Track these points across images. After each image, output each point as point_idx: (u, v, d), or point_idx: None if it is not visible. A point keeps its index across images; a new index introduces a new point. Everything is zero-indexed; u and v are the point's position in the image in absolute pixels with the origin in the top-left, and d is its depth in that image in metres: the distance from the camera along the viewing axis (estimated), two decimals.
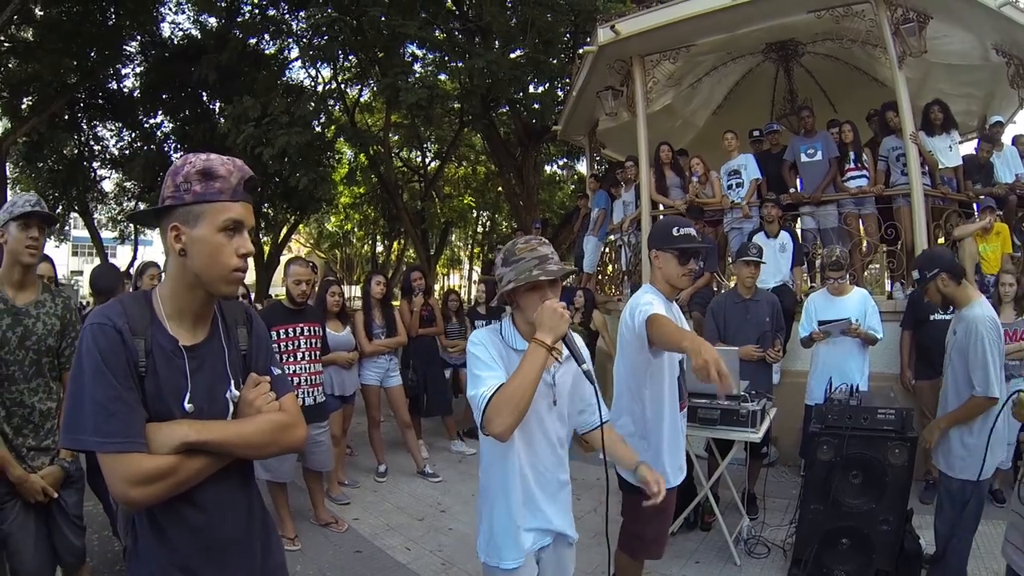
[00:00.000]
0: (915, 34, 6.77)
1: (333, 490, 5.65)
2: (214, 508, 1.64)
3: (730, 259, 7.52)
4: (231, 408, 1.68)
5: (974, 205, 7.38)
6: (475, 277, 29.73)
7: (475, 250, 32.59)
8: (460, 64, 14.35)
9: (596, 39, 8.14)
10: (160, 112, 19.32)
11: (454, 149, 21.91)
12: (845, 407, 4.03)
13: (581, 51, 9.28)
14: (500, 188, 21.88)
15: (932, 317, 5.44)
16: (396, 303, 7.05)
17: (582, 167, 18.85)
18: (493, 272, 2.59)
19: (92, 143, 19.88)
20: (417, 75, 14.31)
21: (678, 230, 3.03)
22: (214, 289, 1.62)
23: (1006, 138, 8.30)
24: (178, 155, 12.15)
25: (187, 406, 1.58)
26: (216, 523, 1.64)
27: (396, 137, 22.27)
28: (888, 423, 3.87)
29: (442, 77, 15.87)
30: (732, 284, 6.16)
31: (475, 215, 28.26)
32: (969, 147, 8.35)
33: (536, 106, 15.06)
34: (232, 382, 1.69)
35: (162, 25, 18.73)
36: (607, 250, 9.73)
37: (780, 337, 5.24)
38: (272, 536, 1.87)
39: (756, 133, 8.32)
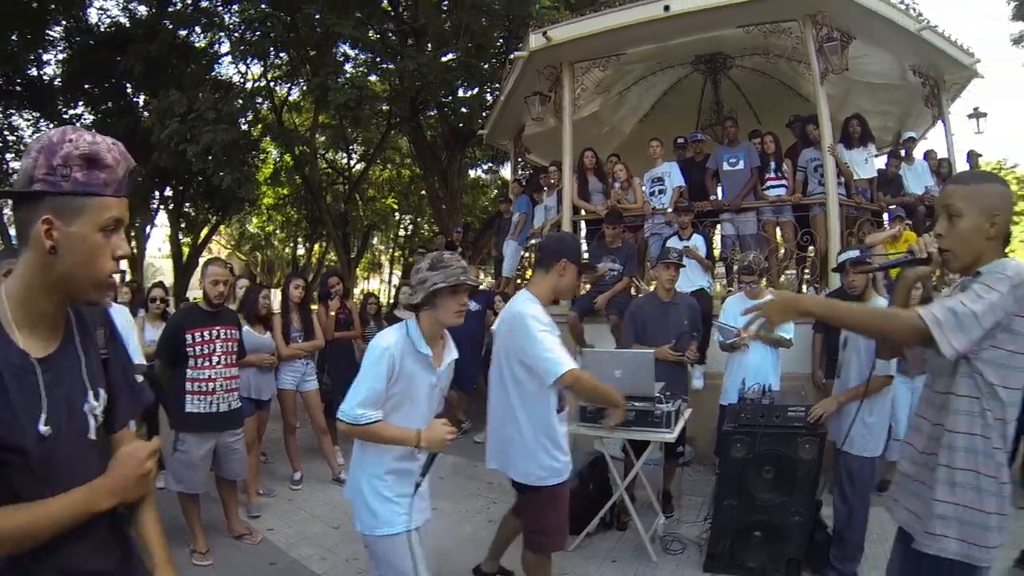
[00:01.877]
0: (838, 52, 7.02)
1: (251, 498, 5.39)
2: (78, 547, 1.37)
3: (649, 264, 7.63)
4: (91, 423, 1.41)
5: (885, 215, 7.69)
6: (395, 281, 29.28)
7: (396, 254, 32.06)
8: (391, 66, 14.20)
9: (528, 44, 8.12)
10: (81, 103, 18.25)
11: (380, 151, 21.62)
12: (757, 406, 4.21)
13: (512, 56, 9.26)
14: (424, 191, 21.69)
15: None
16: (315, 307, 6.93)
17: (506, 172, 18.82)
18: (411, 276, 2.78)
19: (6, 133, 18.58)
20: (348, 76, 14.08)
21: (573, 251, 3.36)
22: (83, 294, 1.38)
23: (918, 153, 8.73)
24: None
25: (43, 428, 1.29)
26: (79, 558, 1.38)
27: (323, 138, 21.86)
28: (799, 420, 4.04)
29: (372, 78, 15.67)
30: (651, 288, 6.19)
31: (397, 218, 27.89)
32: (883, 160, 8.71)
33: (464, 110, 15.02)
34: (90, 393, 1.42)
35: (89, 10, 17.67)
36: (527, 254, 9.63)
37: (697, 340, 5.28)
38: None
39: (681, 141, 8.47)
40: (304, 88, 17.85)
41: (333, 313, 6.88)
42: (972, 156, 9.39)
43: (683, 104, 10.51)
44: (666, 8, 7.17)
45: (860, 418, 3.64)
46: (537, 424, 3.13)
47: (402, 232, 29.34)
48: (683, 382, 5.24)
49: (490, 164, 21.19)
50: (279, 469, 6.43)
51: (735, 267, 7.42)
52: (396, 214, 27.23)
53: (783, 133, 8.25)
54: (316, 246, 27.80)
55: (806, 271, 8.09)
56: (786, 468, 4.01)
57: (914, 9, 7.62)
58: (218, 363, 4.45)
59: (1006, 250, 4.60)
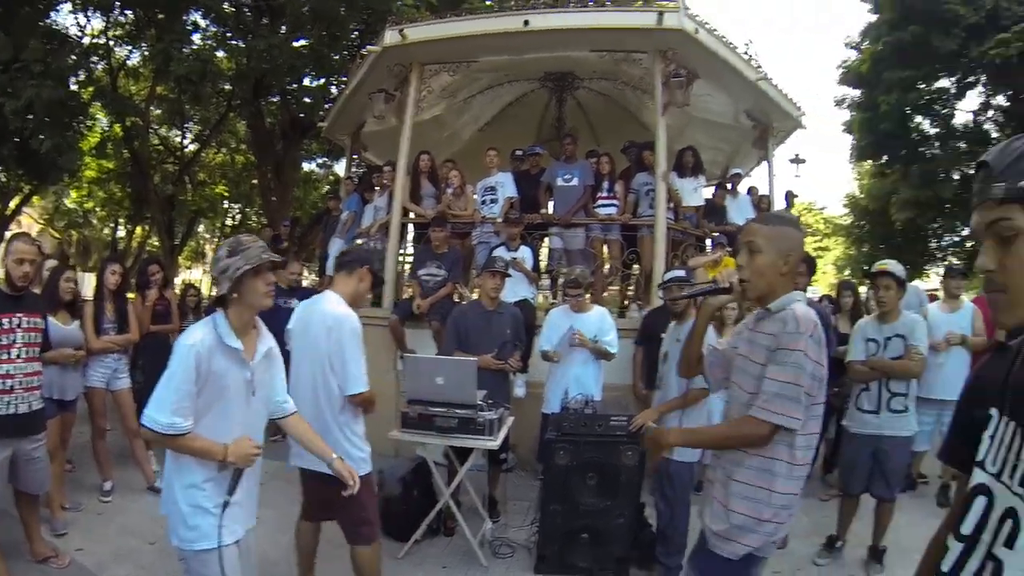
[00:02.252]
0: (682, 88, 7.34)
1: (55, 514, 4.73)
2: None
3: (475, 271, 7.63)
4: None
5: (708, 241, 8.04)
6: None
7: (220, 244, 30.21)
8: (241, 43, 13.49)
9: (383, 40, 7.87)
10: None
11: (216, 133, 20.40)
12: (580, 416, 4.44)
13: (365, 50, 9.00)
14: (256, 181, 20.64)
15: (662, 335, 5.69)
16: (132, 296, 6.31)
17: (340, 168, 18.41)
18: (212, 268, 2.62)
19: None
20: (194, 47, 13.24)
21: (379, 263, 3.61)
22: None
23: (742, 188, 9.40)
24: None
25: None
26: None
27: (158, 111, 20.18)
28: (621, 429, 4.29)
29: (220, 54, 14.79)
30: (475, 295, 6.15)
31: (226, 207, 26.30)
32: (711, 191, 9.19)
33: (308, 100, 14.56)
34: None
35: None
36: None
37: (520, 349, 5.27)
38: None
39: (518, 153, 8.49)
40: (146, 53, 16.30)
41: (150, 304, 6.36)
42: (789, 196, 10.19)
43: (525, 117, 10.62)
44: (526, 23, 7.18)
45: (677, 426, 3.77)
46: (343, 418, 3.39)
47: (229, 221, 27.48)
48: (505, 390, 5.28)
49: (325, 159, 20.68)
50: (87, 478, 5.72)
51: (560, 280, 7.57)
52: (225, 202, 25.67)
53: (619, 156, 8.51)
54: (138, 229, 25.60)
55: (630, 288, 8.32)
56: (609, 474, 4.27)
57: (755, 61, 8.15)
58: (18, 357, 3.83)
59: (812, 278, 4.99)
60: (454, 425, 4.30)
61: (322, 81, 14.76)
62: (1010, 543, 1.15)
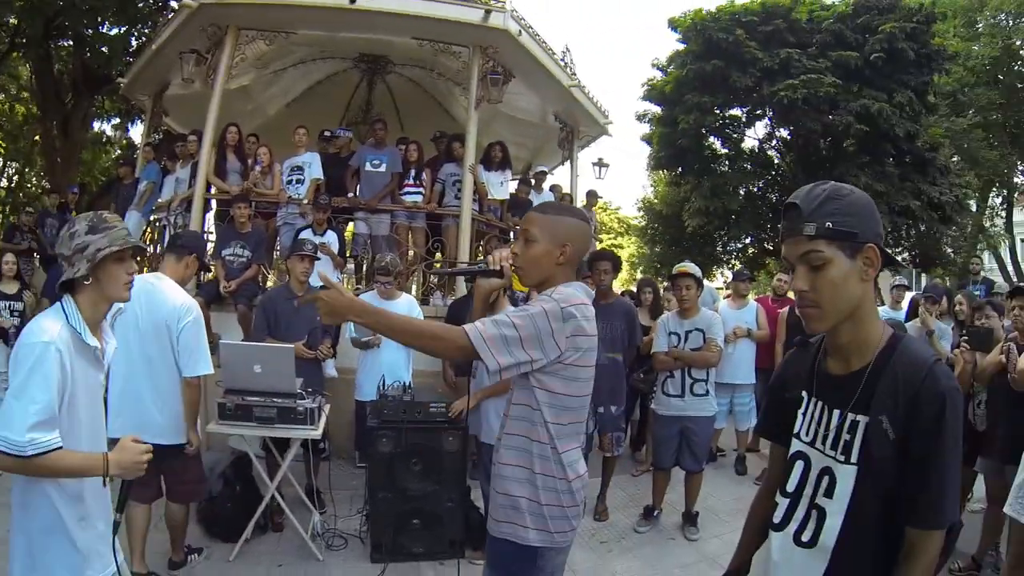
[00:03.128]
0: (498, 86, 7.61)
1: None
2: None
3: (277, 253, 7.55)
4: None
5: (511, 233, 8.36)
6: None
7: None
8: None
9: None
10: None
11: None
12: (399, 402, 4.43)
13: (178, 3, 8.39)
14: (38, 137, 18.08)
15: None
16: None
17: (136, 132, 16.90)
18: (60, 244, 2.13)
19: None
20: None
21: (205, 251, 3.58)
22: None
23: (546, 184, 9.74)
24: None
25: None
26: None
27: None
28: (440, 415, 4.40)
29: None
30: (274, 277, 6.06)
31: (2, 164, 22.44)
32: (515, 185, 9.41)
33: (105, 50, 13.16)
34: None
35: None
36: (147, 229, 8.62)
37: (330, 336, 5.28)
38: None
39: (328, 134, 8.30)
40: None
41: None
42: (591, 195, 10.88)
43: (334, 97, 10.46)
44: (352, 0, 7.05)
45: (496, 413, 4.08)
46: (167, 388, 3.56)
47: (4, 183, 23.21)
48: (319, 378, 5.19)
49: (119, 119, 18.72)
50: None
51: (366, 266, 7.68)
52: (0, 159, 22.09)
53: (427, 145, 8.60)
54: None
55: (433, 277, 8.43)
56: (433, 460, 4.35)
57: (571, 68, 8.62)
58: None
59: (617, 274, 5.43)
60: (273, 415, 4.15)
61: (124, 30, 13.52)
62: (829, 493, 1.51)
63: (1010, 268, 23.47)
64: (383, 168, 7.64)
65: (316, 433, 4.26)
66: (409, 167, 7.79)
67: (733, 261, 23.14)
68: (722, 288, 14.79)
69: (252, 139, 8.09)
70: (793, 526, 1.58)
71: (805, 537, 1.54)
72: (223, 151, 7.66)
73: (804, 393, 1.63)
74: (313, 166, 7.49)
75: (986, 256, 21.57)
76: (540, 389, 2.10)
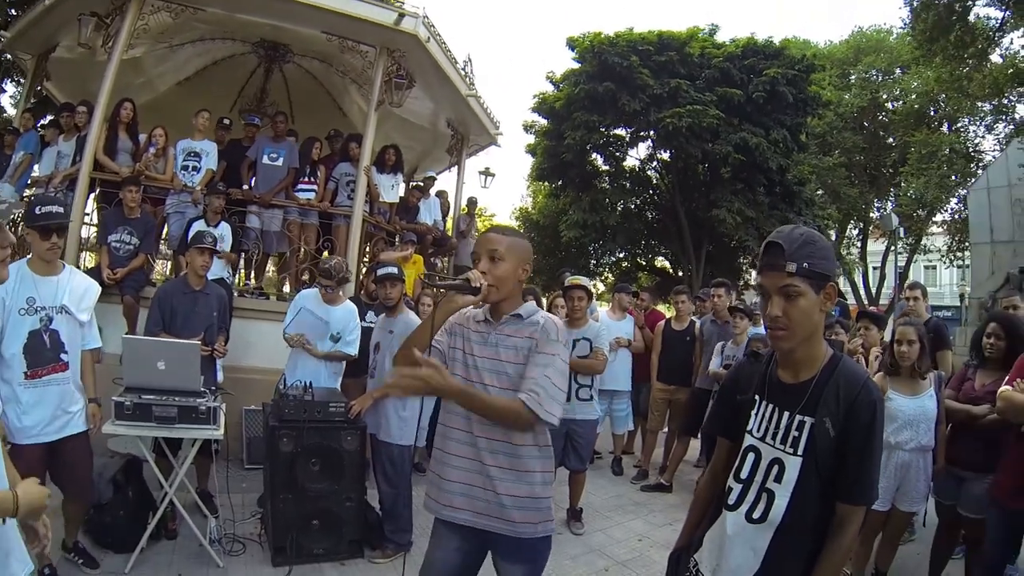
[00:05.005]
0: (400, 89, 7.75)
1: None
2: None
3: (166, 243, 7.36)
4: None
5: (398, 236, 8.57)
6: None
7: None
8: None
9: None
10: None
11: None
12: (300, 401, 4.36)
13: None
14: None
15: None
16: None
17: (7, 95, 15.52)
18: None
19: None
20: None
21: (40, 209, 3.33)
22: None
23: (433, 189, 10.03)
24: None
25: None
26: None
27: None
28: (339, 415, 4.43)
29: None
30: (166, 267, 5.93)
31: None
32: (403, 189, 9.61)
33: None
34: None
35: None
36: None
37: (224, 333, 5.22)
38: None
39: (227, 122, 8.05)
40: None
41: None
42: (471, 202, 11.33)
43: (227, 80, 10.20)
44: None
45: (395, 412, 4.48)
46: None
47: None
48: (213, 376, 4.99)
49: None
50: None
51: (255, 261, 7.59)
52: None
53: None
54: None
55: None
56: (332, 459, 4.36)
57: (470, 78, 8.90)
58: None
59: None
60: (174, 415, 3.92)
61: None
62: (779, 479, 1.85)
63: (862, 292, 26.76)
64: (280, 162, 7.62)
65: (219, 433, 4.09)
66: (306, 163, 7.79)
67: (606, 273, 24.44)
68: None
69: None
70: (745, 507, 1.92)
71: (756, 515, 1.88)
72: (115, 128, 7.17)
73: (757, 396, 1.97)
74: (211, 154, 7.34)
75: (842, 281, 24.21)
76: None
